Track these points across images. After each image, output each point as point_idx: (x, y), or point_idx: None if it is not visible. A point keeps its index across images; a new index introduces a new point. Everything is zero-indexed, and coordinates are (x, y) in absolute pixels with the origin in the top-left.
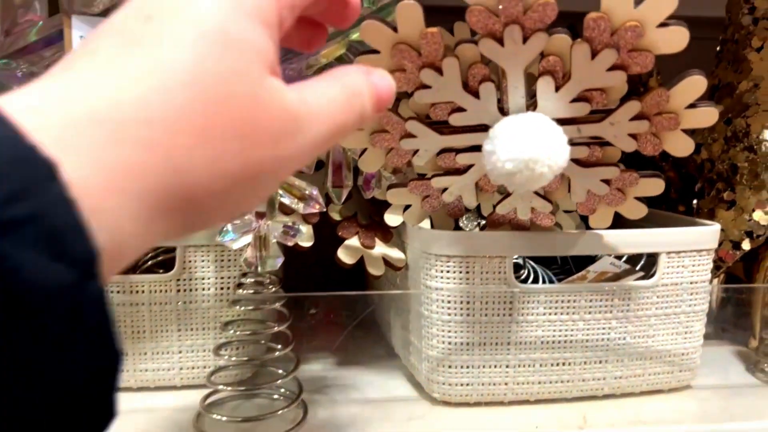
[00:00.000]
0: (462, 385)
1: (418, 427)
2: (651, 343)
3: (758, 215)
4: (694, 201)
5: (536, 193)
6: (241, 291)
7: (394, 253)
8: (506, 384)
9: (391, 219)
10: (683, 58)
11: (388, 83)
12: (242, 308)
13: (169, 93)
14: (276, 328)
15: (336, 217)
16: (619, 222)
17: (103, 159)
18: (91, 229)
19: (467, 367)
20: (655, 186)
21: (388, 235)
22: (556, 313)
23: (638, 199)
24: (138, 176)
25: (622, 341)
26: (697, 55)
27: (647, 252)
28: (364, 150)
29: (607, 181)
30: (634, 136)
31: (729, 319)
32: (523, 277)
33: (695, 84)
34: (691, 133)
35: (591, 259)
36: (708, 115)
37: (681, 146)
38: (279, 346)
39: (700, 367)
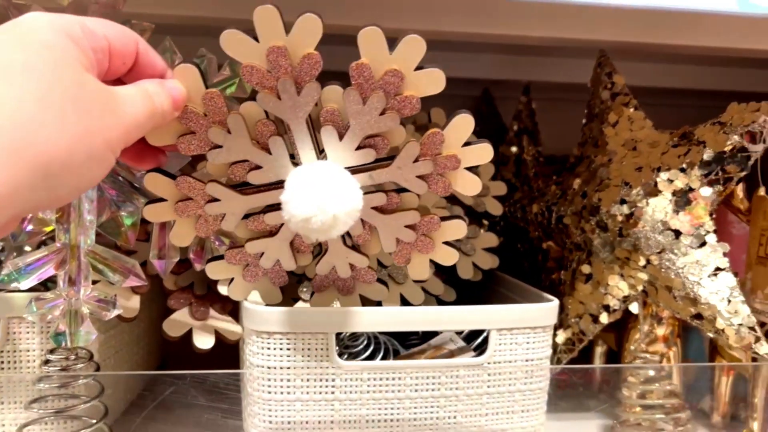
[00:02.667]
0: None
1: None
2: (484, 423)
3: (613, 290)
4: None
5: (351, 248)
6: (47, 367)
7: (228, 326)
8: None
9: (224, 290)
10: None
11: (180, 89)
12: (45, 386)
13: (10, 77)
14: (84, 405)
15: (171, 287)
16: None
17: None
18: None
19: None
20: (457, 228)
21: (227, 305)
22: (380, 391)
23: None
24: None
25: (452, 420)
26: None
27: (476, 329)
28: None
29: (413, 228)
30: (424, 178)
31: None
32: (360, 348)
33: (464, 121)
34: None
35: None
36: (483, 151)
37: (469, 186)
38: (93, 421)
39: None
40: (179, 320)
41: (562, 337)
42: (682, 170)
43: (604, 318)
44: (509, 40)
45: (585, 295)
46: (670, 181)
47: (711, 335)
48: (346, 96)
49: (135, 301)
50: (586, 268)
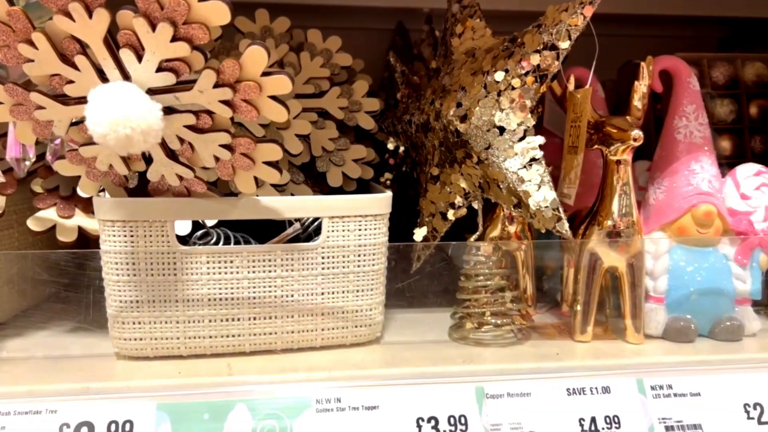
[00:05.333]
0: (136, 339)
1: (100, 377)
2: (321, 301)
3: (456, 187)
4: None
5: (179, 162)
6: None
7: (89, 223)
8: (179, 338)
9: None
10: None
11: None
12: None
13: None
14: None
15: (38, 189)
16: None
17: None
18: None
19: (139, 323)
20: (272, 151)
21: (90, 205)
22: (219, 272)
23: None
24: None
25: (290, 298)
26: None
27: (311, 216)
28: None
29: (230, 147)
30: (231, 104)
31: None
32: (212, 242)
33: (257, 53)
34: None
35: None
36: (281, 83)
37: (274, 112)
38: None
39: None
40: (44, 217)
41: (419, 234)
42: (506, 71)
43: (451, 215)
44: None
45: (435, 195)
46: (496, 81)
47: (529, 220)
48: (135, 23)
49: (1, 201)
50: (434, 170)
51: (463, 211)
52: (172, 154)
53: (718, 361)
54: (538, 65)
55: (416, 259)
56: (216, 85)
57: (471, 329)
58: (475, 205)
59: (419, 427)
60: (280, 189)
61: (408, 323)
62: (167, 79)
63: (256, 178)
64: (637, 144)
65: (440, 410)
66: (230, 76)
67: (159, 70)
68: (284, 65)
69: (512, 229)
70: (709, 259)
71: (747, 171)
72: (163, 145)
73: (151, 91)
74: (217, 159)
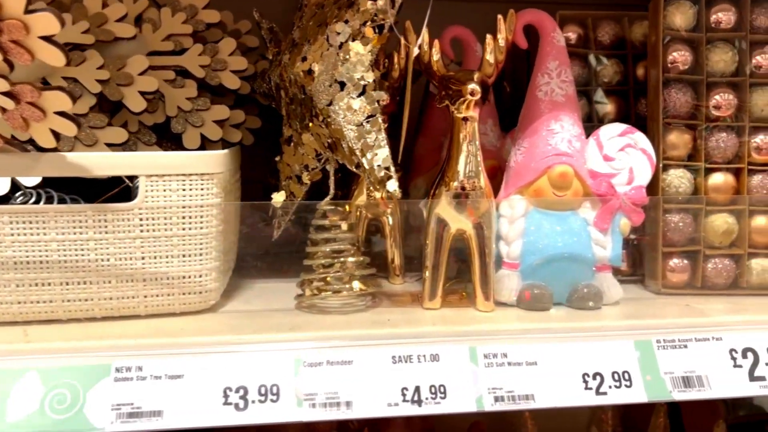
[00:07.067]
0: None
1: None
2: (141, 265)
3: (307, 148)
4: None
5: None
6: None
7: None
8: None
9: None
10: None
11: None
12: None
13: None
14: None
15: None
16: None
17: None
18: None
19: None
20: (61, 100)
21: None
22: (25, 234)
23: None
24: None
25: (105, 262)
26: None
27: (127, 175)
28: None
29: (13, 96)
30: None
31: None
32: (32, 202)
33: None
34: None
35: None
36: (47, 21)
37: (49, 55)
38: None
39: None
40: None
41: (278, 199)
42: (346, 22)
43: (306, 177)
44: None
45: (289, 157)
46: (337, 33)
47: (367, 182)
48: None
49: None
50: (288, 131)
51: (319, 174)
52: None
53: (562, 329)
54: (374, 18)
55: (276, 226)
56: None
57: (310, 296)
58: (329, 167)
59: (226, 396)
60: (127, 149)
61: (263, 291)
62: None
63: (56, 133)
64: (474, 98)
65: (251, 380)
66: None
67: None
68: (143, 20)
69: (378, 194)
70: (567, 224)
71: (611, 131)
72: None
73: None
74: (4, 110)
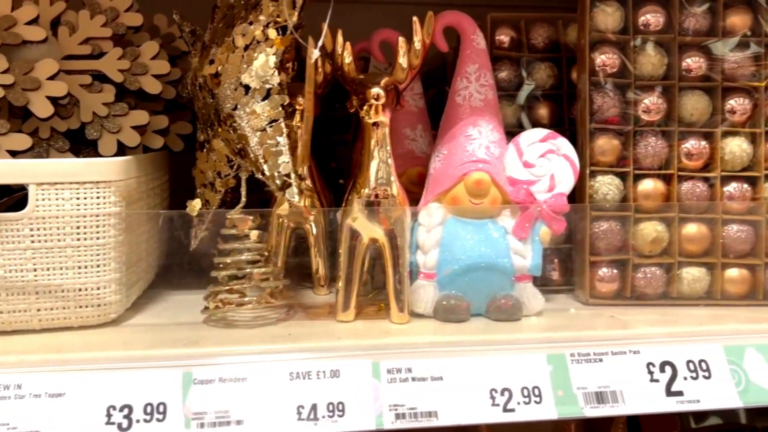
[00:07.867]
0: None
1: None
2: (33, 278)
3: (219, 154)
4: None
5: None
6: None
7: None
8: None
9: None
10: None
11: None
12: None
13: None
14: None
15: None
16: None
17: None
18: None
19: None
20: None
21: None
22: None
23: None
24: None
25: None
26: None
27: (16, 183)
28: None
29: None
30: None
31: None
32: None
33: None
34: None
35: None
36: None
37: None
38: None
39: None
40: None
41: (193, 208)
42: (251, 23)
43: (219, 185)
44: None
45: (203, 163)
46: (243, 35)
47: (271, 188)
48: None
49: None
50: (201, 136)
51: (232, 182)
52: None
53: (473, 342)
54: (276, 19)
55: (194, 236)
56: None
57: (214, 309)
58: (242, 173)
59: (109, 416)
60: (37, 156)
61: (179, 303)
62: None
63: None
64: (378, 102)
65: (136, 398)
66: None
67: None
68: (60, 23)
69: (303, 202)
70: (485, 232)
71: (532, 137)
72: None
73: None
74: None
